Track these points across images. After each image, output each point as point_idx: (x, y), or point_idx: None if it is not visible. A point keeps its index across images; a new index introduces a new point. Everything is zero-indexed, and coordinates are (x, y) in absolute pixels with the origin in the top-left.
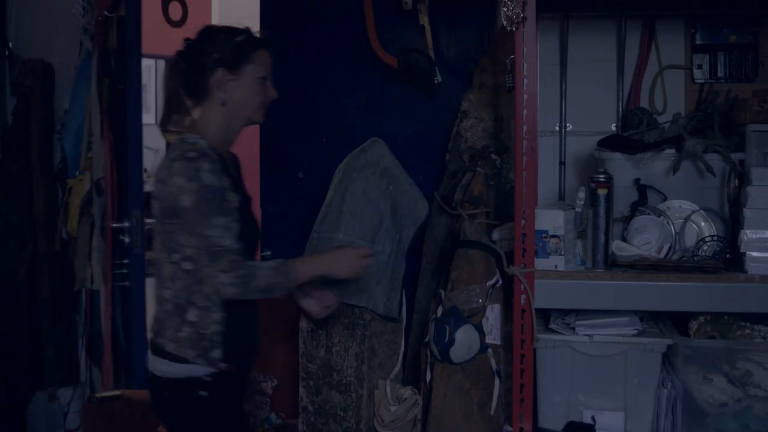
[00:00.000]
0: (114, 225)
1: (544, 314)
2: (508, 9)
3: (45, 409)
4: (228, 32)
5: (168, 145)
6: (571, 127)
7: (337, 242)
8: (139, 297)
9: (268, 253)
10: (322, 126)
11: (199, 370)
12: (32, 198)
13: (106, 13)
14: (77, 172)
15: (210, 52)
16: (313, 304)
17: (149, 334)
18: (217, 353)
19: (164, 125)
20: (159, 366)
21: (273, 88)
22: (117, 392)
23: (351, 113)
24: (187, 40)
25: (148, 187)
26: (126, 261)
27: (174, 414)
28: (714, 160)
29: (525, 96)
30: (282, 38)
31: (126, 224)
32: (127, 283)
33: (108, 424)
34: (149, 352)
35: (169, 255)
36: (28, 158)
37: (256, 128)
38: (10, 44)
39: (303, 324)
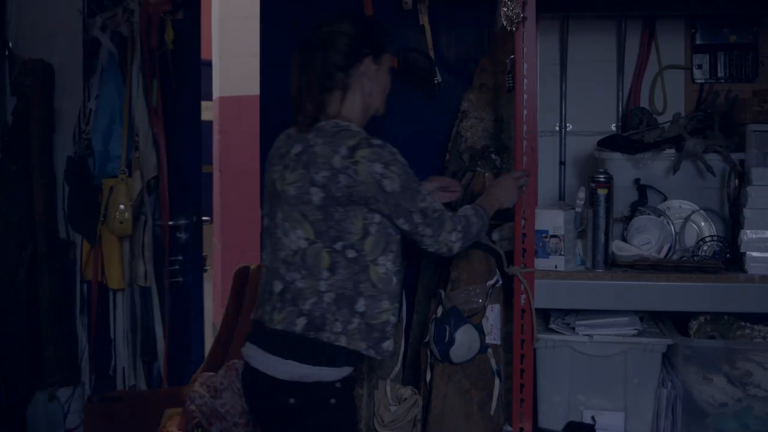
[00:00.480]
0: (171, 223)
1: (544, 314)
2: (508, 9)
3: (45, 409)
4: (368, 22)
5: (300, 131)
6: (571, 127)
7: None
8: (198, 293)
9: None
10: None
11: (332, 374)
12: (32, 198)
13: (162, 15)
14: (120, 172)
15: (358, 41)
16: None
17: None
18: (387, 344)
19: (299, 116)
20: (286, 368)
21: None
22: (117, 392)
23: None
24: (318, 30)
25: None
26: (180, 258)
27: (292, 420)
28: (714, 160)
29: (525, 96)
30: (282, 38)
31: (183, 222)
32: (181, 279)
33: (108, 424)
34: (267, 354)
35: (330, 244)
36: (28, 158)
37: (255, 128)
38: (10, 44)
39: None
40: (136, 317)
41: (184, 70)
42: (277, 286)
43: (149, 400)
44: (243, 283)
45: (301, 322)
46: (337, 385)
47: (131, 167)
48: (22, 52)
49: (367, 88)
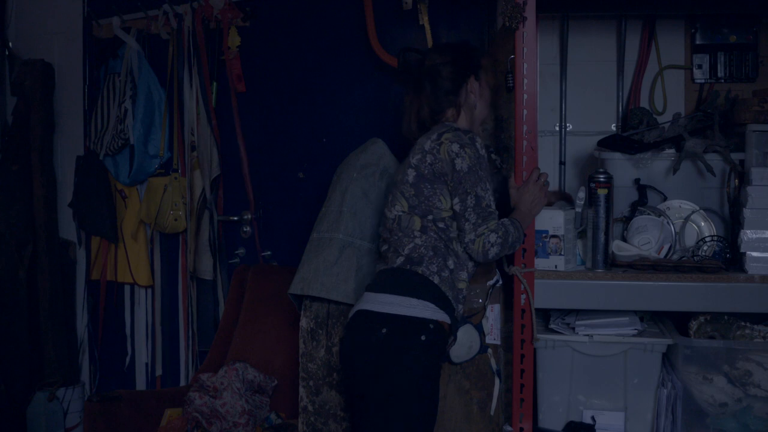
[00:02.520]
0: (234, 218)
1: (544, 314)
2: (508, 9)
3: (45, 409)
4: (463, 45)
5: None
6: (571, 127)
7: (337, 242)
8: None
9: (269, 253)
10: (322, 126)
11: (424, 311)
12: (32, 198)
13: (235, 25)
14: (172, 171)
15: (462, 65)
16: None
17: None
18: (460, 308)
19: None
20: (385, 302)
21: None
22: (117, 392)
23: (351, 113)
24: (426, 58)
25: None
26: (242, 251)
27: (380, 354)
28: (714, 160)
29: (525, 96)
30: (282, 38)
31: (248, 217)
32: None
33: (108, 424)
34: (368, 293)
35: (422, 215)
36: (28, 158)
37: (256, 128)
38: (10, 44)
39: (303, 324)
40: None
41: (251, 73)
42: (383, 247)
43: (149, 400)
44: (243, 283)
45: (400, 260)
46: (430, 326)
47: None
48: (22, 52)
49: (472, 103)
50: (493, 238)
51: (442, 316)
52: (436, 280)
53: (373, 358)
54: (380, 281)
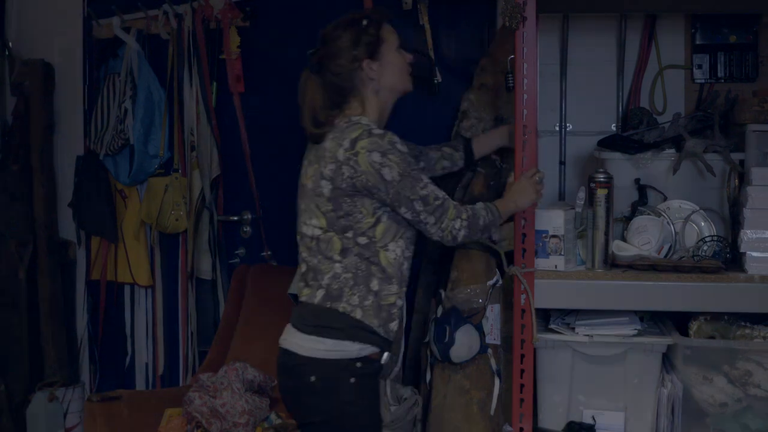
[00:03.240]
0: (234, 218)
1: (544, 314)
2: (508, 9)
3: (45, 409)
4: (351, 24)
5: (317, 136)
6: (571, 127)
7: None
8: None
9: (269, 252)
10: None
11: (351, 351)
12: (32, 198)
13: (235, 24)
14: (172, 171)
15: (347, 51)
16: None
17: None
18: (393, 325)
19: (307, 127)
20: (308, 344)
21: (406, 52)
22: (117, 392)
23: None
24: (315, 51)
25: None
26: (242, 251)
27: (313, 400)
28: (714, 160)
29: (525, 96)
30: (281, 38)
31: (248, 217)
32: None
33: (108, 424)
34: (293, 330)
35: (341, 233)
36: (28, 158)
37: (256, 128)
38: (10, 44)
39: None
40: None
41: (251, 74)
42: (303, 268)
43: (149, 400)
44: (243, 283)
45: (320, 294)
46: (358, 365)
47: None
48: (22, 52)
49: (376, 88)
50: (458, 224)
51: (369, 350)
52: (358, 314)
53: (307, 401)
54: (302, 318)
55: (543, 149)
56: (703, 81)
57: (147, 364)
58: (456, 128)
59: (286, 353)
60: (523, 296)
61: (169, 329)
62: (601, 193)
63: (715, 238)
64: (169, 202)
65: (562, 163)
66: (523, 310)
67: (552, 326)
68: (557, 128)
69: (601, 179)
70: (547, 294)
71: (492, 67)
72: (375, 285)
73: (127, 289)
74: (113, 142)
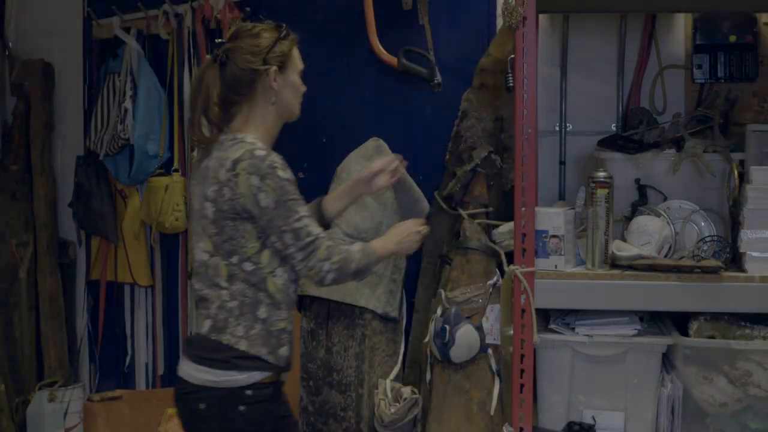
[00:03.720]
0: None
1: (544, 314)
2: (508, 9)
3: (45, 409)
4: (273, 30)
5: (204, 147)
6: (571, 127)
7: (337, 234)
8: None
9: None
10: (322, 126)
11: (239, 380)
12: (32, 198)
13: (235, 24)
14: (172, 171)
15: (258, 52)
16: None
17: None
18: (283, 350)
19: (197, 128)
20: (198, 374)
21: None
22: (117, 392)
23: (351, 113)
24: (226, 41)
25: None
26: None
27: (203, 427)
28: (714, 160)
29: (525, 96)
30: None
31: None
32: None
33: (108, 424)
34: (185, 359)
35: (227, 257)
36: (28, 158)
37: None
38: (10, 44)
39: (303, 324)
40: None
41: None
42: (194, 294)
43: (149, 400)
44: None
45: (207, 324)
46: (248, 392)
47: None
48: (22, 52)
49: (273, 99)
50: (326, 266)
51: (259, 377)
52: (243, 345)
53: (199, 428)
54: (192, 348)
55: (543, 149)
56: (703, 81)
57: (147, 364)
58: (456, 128)
59: (180, 380)
60: (523, 296)
61: (169, 329)
62: (601, 193)
63: (715, 238)
64: (169, 202)
65: (562, 163)
66: (523, 310)
67: (552, 326)
68: (557, 128)
69: (601, 179)
70: (547, 294)
71: (492, 67)
72: (263, 313)
73: (127, 289)
74: (113, 142)
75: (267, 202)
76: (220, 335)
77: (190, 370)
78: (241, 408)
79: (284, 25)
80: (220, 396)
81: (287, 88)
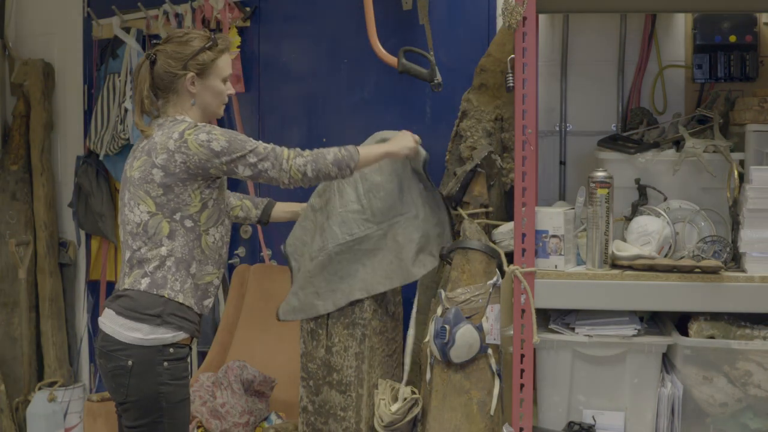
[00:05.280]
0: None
1: (544, 314)
2: (508, 9)
3: (45, 409)
4: (199, 39)
5: (144, 132)
6: (571, 127)
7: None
8: None
9: (269, 252)
10: (322, 126)
11: (166, 337)
12: (32, 198)
13: (235, 24)
14: None
15: (180, 58)
16: None
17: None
18: (208, 302)
19: (137, 117)
20: (127, 332)
21: (230, 86)
22: None
23: (351, 113)
24: (158, 42)
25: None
26: (242, 251)
27: (129, 381)
28: (714, 160)
29: (525, 96)
30: (282, 38)
31: None
32: None
33: (108, 424)
34: (115, 315)
35: (170, 215)
36: (28, 158)
37: (256, 128)
38: (10, 44)
39: (303, 324)
40: None
41: (250, 74)
42: (126, 255)
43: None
44: (243, 282)
45: (145, 282)
46: (171, 350)
47: None
48: (22, 52)
49: (192, 101)
50: (300, 161)
51: (181, 337)
52: (180, 298)
53: (125, 383)
54: (124, 305)
55: (543, 149)
56: (703, 81)
57: None
58: (456, 128)
59: (106, 337)
60: (523, 296)
61: None
62: (601, 193)
63: (715, 238)
64: None
65: (562, 163)
66: (523, 310)
67: (552, 326)
68: (557, 128)
69: (601, 179)
70: (547, 294)
71: (492, 67)
72: (194, 268)
73: None
74: (113, 142)
75: (221, 145)
76: (160, 290)
77: (118, 327)
78: (165, 364)
79: (213, 36)
80: (147, 353)
81: (206, 92)
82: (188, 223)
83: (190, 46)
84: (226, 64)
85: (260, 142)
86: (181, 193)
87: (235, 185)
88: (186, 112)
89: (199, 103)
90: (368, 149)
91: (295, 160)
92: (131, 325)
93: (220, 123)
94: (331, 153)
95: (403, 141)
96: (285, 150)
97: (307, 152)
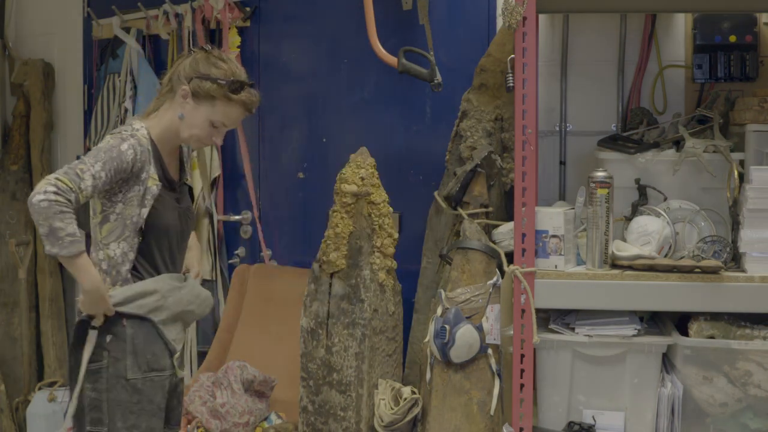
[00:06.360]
0: (237, 217)
1: (544, 314)
2: (508, 9)
3: (45, 409)
4: (220, 68)
5: None
6: (571, 127)
7: None
8: None
9: (269, 252)
10: (322, 126)
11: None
12: None
13: (235, 24)
14: None
15: (195, 69)
16: None
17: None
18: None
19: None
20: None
21: (220, 138)
22: None
23: (351, 113)
24: (204, 47)
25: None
26: (242, 251)
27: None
28: (714, 160)
29: (525, 96)
30: (282, 38)
31: (248, 216)
32: None
33: None
34: None
35: (91, 221)
36: (28, 158)
37: (256, 128)
38: (10, 44)
39: (303, 324)
40: None
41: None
42: None
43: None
44: (243, 283)
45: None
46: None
47: None
48: (22, 52)
49: (180, 113)
50: (50, 188)
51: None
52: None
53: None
54: None
55: (543, 149)
56: (703, 81)
57: None
58: (456, 128)
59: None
60: (523, 296)
61: None
62: (601, 193)
63: (715, 238)
64: None
65: (562, 163)
66: (523, 310)
67: (552, 326)
68: (557, 128)
69: (601, 179)
70: (547, 294)
71: (492, 67)
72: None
73: None
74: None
75: (96, 146)
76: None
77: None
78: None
79: (243, 84)
80: (79, 327)
81: (193, 116)
82: (95, 234)
83: (213, 68)
84: (226, 114)
85: (94, 172)
86: (93, 204)
87: (237, 184)
88: (170, 121)
89: (184, 121)
90: (83, 267)
91: (45, 186)
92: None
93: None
94: (58, 219)
95: (95, 305)
96: (67, 182)
97: (62, 197)
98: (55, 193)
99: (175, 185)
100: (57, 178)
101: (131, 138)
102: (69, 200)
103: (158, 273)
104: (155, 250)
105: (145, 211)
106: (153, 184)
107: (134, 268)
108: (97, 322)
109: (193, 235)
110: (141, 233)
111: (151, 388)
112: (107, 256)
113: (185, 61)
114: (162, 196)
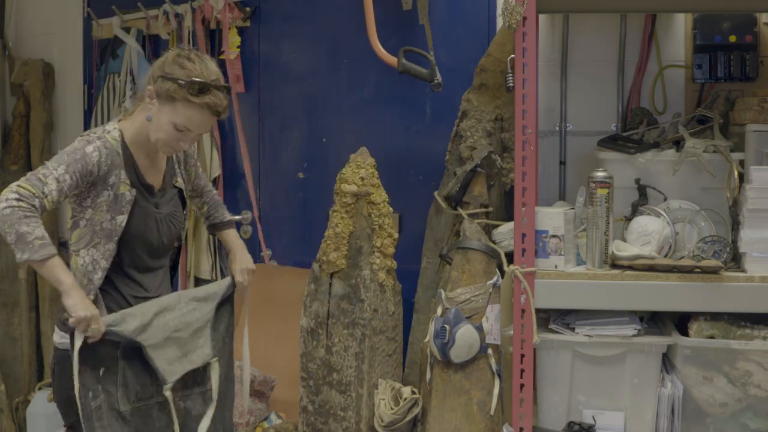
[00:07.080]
0: (238, 217)
1: (544, 314)
2: (508, 9)
3: (45, 409)
4: (185, 67)
5: None
6: (571, 127)
7: None
8: None
9: (269, 252)
10: (322, 126)
11: (67, 344)
12: None
13: (235, 24)
14: None
15: (160, 69)
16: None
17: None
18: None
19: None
20: (55, 336)
21: (187, 142)
22: None
23: (351, 113)
24: (182, 47)
25: None
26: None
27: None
28: (714, 160)
29: (525, 96)
30: (282, 38)
31: (248, 216)
32: None
33: None
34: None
35: (65, 228)
36: (28, 158)
37: (256, 128)
38: (10, 44)
39: (303, 324)
40: None
41: (250, 74)
42: None
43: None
44: None
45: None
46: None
47: None
48: (22, 52)
49: (149, 116)
50: (10, 195)
51: (79, 341)
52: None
53: (55, 384)
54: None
55: (543, 149)
56: (703, 81)
57: None
58: (456, 128)
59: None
60: (523, 296)
61: None
62: (601, 193)
63: (715, 238)
64: None
65: (562, 163)
66: (523, 310)
67: (552, 326)
68: (557, 128)
69: (601, 179)
70: (547, 294)
71: (492, 67)
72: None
73: None
74: None
75: (60, 152)
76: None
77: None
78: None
79: (208, 86)
80: (61, 356)
81: (158, 118)
82: (68, 241)
83: (178, 68)
84: (188, 116)
85: (56, 177)
86: (66, 209)
87: (237, 184)
88: (141, 123)
89: (152, 124)
90: (59, 267)
91: (7, 194)
92: (57, 329)
93: (221, 127)
94: (24, 224)
95: (82, 304)
96: (27, 185)
97: (20, 204)
98: (17, 199)
99: (153, 190)
100: (18, 185)
101: (98, 140)
102: (33, 206)
103: (132, 282)
104: (126, 258)
105: (122, 218)
106: (125, 189)
107: (107, 278)
108: (94, 330)
109: (229, 234)
110: (117, 241)
111: (139, 417)
112: (76, 263)
113: (158, 61)
114: (137, 201)
